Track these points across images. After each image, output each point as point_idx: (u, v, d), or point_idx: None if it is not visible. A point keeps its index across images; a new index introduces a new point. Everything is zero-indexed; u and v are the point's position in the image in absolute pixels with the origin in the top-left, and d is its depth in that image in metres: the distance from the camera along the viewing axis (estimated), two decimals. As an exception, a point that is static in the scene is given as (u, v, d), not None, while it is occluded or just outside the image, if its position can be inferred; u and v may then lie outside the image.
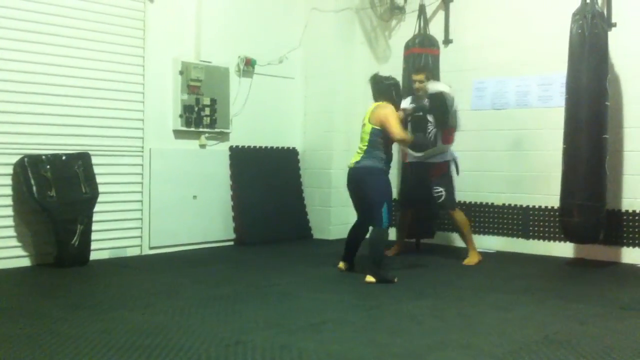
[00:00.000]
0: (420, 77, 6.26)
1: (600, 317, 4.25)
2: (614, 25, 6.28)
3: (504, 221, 7.09)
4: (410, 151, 6.29)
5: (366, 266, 5.37)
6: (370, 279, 5.24)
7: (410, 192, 6.52)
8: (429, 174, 6.25)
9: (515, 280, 5.51)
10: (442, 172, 6.25)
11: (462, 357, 3.36)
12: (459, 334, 3.79)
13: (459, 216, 6.32)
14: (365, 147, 5.47)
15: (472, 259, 6.24)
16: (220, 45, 7.16)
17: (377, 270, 5.28)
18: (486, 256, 6.75)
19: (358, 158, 5.47)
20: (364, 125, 5.54)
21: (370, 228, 5.45)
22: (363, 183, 5.41)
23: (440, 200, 6.23)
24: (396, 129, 5.36)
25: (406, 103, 6.29)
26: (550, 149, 6.55)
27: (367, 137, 5.46)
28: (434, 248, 7.17)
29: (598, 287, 5.32)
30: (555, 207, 6.56)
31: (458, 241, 7.27)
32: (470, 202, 7.30)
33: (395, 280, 5.25)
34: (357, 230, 5.71)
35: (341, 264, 5.70)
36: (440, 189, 6.19)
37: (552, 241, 6.76)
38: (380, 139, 5.43)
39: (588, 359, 3.35)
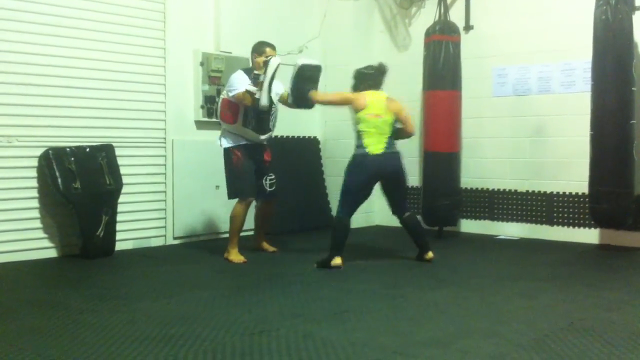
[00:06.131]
0: (275, 53, 5.92)
1: (627, 304, 4.21)
2: (639, 9, 6.17)
3: (527, 208, 7.03)
4: (255, 134, 5.79)
5: (424, 245, 5.63)
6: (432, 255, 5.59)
7: (252, 178, 5.87)
8: (263, 158, 5.94)
9: (539, 268, 5.47)
10: (271, 157, 6.03)
11: (487, 345, 3.35)
12: (483, 322, 3.77)
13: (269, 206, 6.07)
14: (388, 137, 5.40)
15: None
16: (240, 35, 7.14)
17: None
18: (510, 243, 6.72)
19: (383, 145, 5.36)
20: (379, 115, 5.37)
21: (409, 214, 5.61)
22: (400, 169, 5.47)
23: (275, 188, 5.98)
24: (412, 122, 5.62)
25: (245, 79, 5.73)
26: (573, 135, 6.48)
27: (389, 129, 5.41)
28: (456, 236, 7.16)
29: (624, 273, 5.28)
30: (580, 193, 6.52)
31: (482, 229, 7.26)
32: (493, 189, 7.25)
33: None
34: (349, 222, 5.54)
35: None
36: (274, 176, 5.98)
37: (576, 227, 6.70)
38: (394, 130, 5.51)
39: (614, 346, 3.31)
